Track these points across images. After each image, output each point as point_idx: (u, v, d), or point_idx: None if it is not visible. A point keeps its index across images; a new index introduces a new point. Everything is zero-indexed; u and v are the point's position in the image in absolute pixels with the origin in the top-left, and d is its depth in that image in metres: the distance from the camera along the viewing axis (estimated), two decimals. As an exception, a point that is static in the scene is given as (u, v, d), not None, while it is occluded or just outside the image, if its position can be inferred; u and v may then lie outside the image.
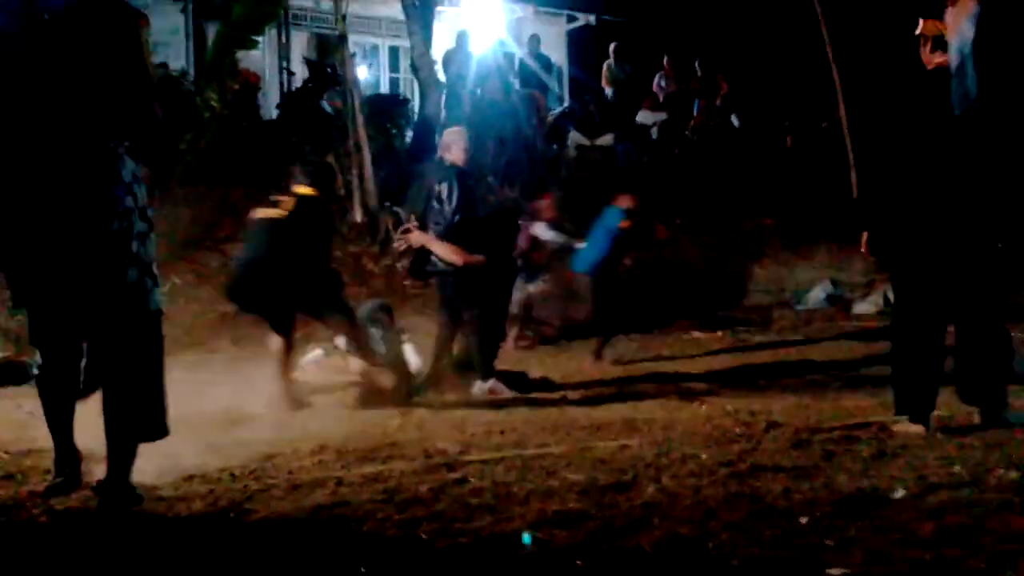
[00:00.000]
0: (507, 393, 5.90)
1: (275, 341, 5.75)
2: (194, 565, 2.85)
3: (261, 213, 5.87)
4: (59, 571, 2.86)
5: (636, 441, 4.42)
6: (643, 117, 13.71)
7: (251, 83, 11.97)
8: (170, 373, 5.66)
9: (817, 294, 10.27)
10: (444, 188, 6.05)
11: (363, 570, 2.78)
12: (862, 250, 4.78)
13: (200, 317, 8.56)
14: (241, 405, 5.46)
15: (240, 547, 3.00)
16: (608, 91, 14.43)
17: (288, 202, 5.82)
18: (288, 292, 5.70)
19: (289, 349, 5.76)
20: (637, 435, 4.58)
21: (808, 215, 11.06)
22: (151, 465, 4.05)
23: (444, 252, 6.00)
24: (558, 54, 16.65)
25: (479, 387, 5.98)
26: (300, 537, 3.09)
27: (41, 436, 4.69)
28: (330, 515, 3.29)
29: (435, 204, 6.08)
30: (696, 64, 14.43)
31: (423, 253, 6.22)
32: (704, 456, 4.06)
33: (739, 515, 3.24)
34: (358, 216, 10.37)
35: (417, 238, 6.13)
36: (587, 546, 2.97)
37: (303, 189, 5.88)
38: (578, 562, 2.84)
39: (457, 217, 5.99)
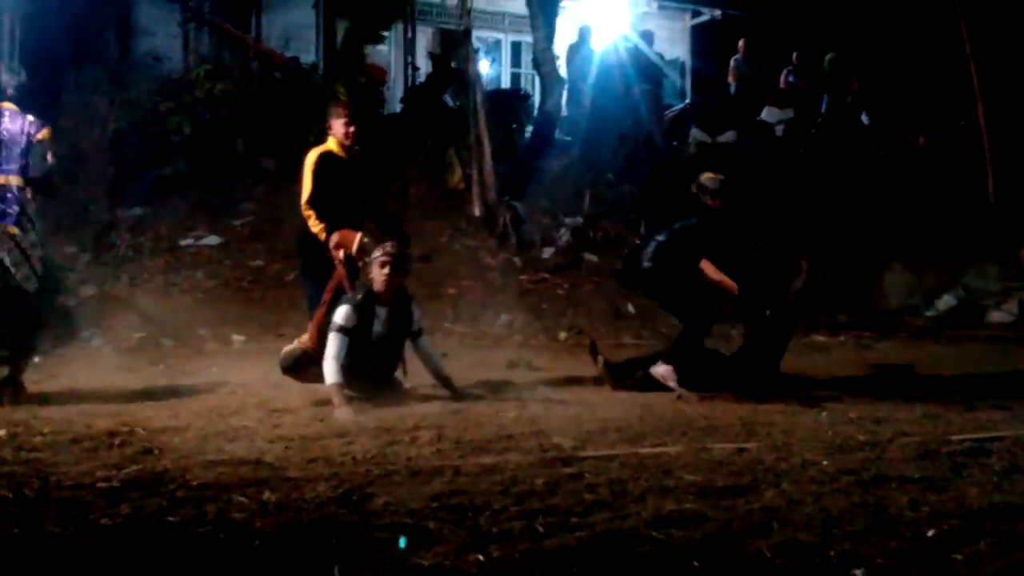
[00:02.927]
0: (672, 384, 5.86)
1: None
2: (317, 547, 2.95)
3: None
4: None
5: (755, 445, 4.36)
6: (768, 114, 13.41)
7: (377, 77, 12.23)
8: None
9: (948, 301, 9.84)
10: (695, 229, 6.17)
11: (481, 558, 2.83)
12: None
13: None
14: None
15: (362, 530, 3.08)
16: (732, 87, 14.17)
17: None
18: None
19: None
20: (755, 439, 4.51)
21: (940, 218, 10.63)
22: (278, 447, 4.23)
23: (713, 275, 6.08)
24: (681, 49, 16.45)
25: (658, 368, 6.02)
26: (420, 523, 3.16)
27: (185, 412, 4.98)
28: (448, 503, 3.36)
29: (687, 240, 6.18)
30: (826, 60, 14.02)
31: (633, 262, 6.63)
32: (826, 463, 3.98)
33: (862, 524, 3.19)
34: (477, 210, 10.47)
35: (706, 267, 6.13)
36: (704, 547, 2.96)
37: None
38: (695, 563, 2.83)
39: (700, 258, 6.10)
